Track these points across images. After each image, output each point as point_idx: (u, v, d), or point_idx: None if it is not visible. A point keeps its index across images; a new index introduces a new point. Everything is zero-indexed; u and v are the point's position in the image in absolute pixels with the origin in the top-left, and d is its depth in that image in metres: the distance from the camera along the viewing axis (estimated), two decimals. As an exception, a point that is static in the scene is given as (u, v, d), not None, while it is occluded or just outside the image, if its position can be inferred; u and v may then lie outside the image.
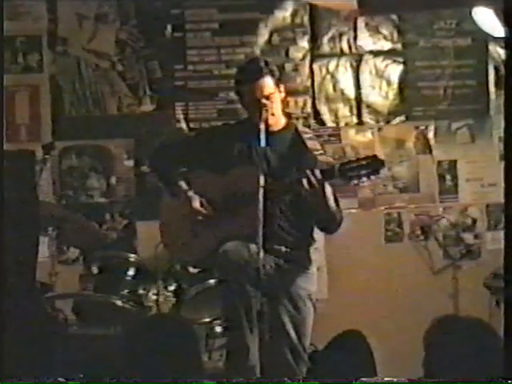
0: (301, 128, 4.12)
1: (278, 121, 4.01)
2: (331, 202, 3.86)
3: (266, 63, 4.01)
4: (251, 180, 3.75)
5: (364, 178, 3.72)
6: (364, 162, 3.72)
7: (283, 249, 3.96)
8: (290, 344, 3.94)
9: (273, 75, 3.98)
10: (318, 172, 3.73)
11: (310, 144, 3.99)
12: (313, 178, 3.72)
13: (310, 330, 4.03)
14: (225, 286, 3.90)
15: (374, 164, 3.72)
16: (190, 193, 4.05)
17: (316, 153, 3.96)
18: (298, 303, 3.97)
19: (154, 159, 4.31)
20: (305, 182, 3.73)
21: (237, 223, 3.90)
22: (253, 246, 3.73)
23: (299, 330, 3.97)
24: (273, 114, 3.95)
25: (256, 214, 3.63)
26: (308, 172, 3.73)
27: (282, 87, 4.01)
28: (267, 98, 3.93)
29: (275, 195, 3.82)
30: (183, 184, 4.07)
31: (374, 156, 3.76)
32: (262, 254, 3.60)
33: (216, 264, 3.94)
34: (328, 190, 3.80)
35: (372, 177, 3.73)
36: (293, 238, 3.98)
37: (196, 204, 4.02)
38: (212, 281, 4.62)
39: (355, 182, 3.75)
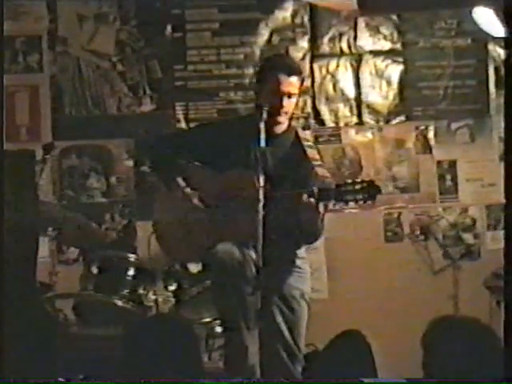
0: (301, 133, 4.10)
1: (285, 122, 4.00)
2: (319, 221, 3.84)
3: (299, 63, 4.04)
4: (249, 182, 3.74)
5: (360, 202, 3.71)
6: (360, 187, 3.68)
7: (275, 250, 3.95)
8: (284, 344, 3.94)
9: (301, 76, 4.01)
10: (315, 191, 3.71)
11: (309, 153, 3.97)
12: (311, 199, 3.71)
13: (304, 330, 4.03)
14: (219, 286, 3.90)
15: (370, 190, 3.69)
16: (188, 190, 4.04)
17: (314, 163, 3.94)
18: (291, 303, 3.97)
19: (153, 153, 4.30)
20: (302, 199, 3.72)
21: (233, 225, 3.89)
22: (246, 247, 3.74)
23: (293, 330, 3.97)
24: (286, 113, 3.95)
25: (254, 216, 3.62)
26: (306, 194, 3.72)
27: (300, 90, 4.01)
28: (289, 96, 3.93)
29: (272, 204, 3.81)
30: (180, 181, 4.07)
31: (371, 181, 3.72)
32: (260, 255, 3.60)
33: (209, 264, 3.94)
34: (321, 208, 3.79)
35: (368, 202, 3.72)
36: (284, 239, 3.97)
37: (195, 200, 4.02)
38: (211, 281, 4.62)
39: (351, 204, 3.76)
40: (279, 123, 3.96)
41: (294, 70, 3.96)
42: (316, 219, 3.81)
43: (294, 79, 3.94)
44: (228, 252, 3.81)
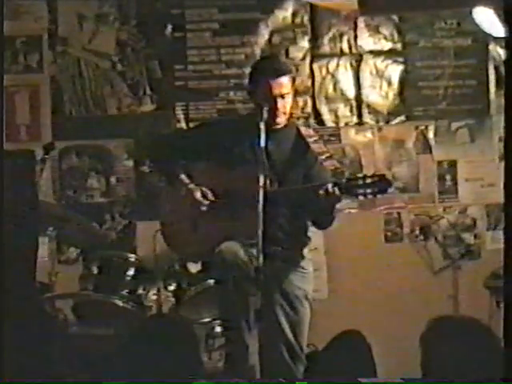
0: (304, 130, 4.11)
1: (285, 119, 4.02)
2: (333, 209, 3.85)
3: (287, 63, 4.03)
4: (252, 180, 3.75)
5: (370, 196, 3.72)
6: (372, 181, 3.70)
7: (279, 249, 3.96)
8: (287, 343, 3.94)
9: (291, 75, 4.00)
10: (330, 186, 3.72)
11: (315, 147, 3.99)
12: (322, 192, 3.72)
13: (307, 330, 4.04)
14: (221, 285, 3.90)
15: (381, 184, 3.71)
16: (191, 185, 4.05)
17: (323, 157, 3.95)
18: (294, 303, 3.97)
19: (155, 151, 4.31)
20: (318, 193, 3.74)
21: (236, 223, 3.90)
22: (249, 246, 3.75)
23: (296, 330, 3.97)
24: (284, 113, 3.96)
25: (256, 216, 3.63)
26: (321, 189, 3.73)
27: (293, 88, 4.02)
28: (282, 96, 3.93)
29: (278, 201, 3.82)
30: (184, 177, 4.07)
31: (383, 175, 3.75)
32: (261, 255, 3.60)
33: (213, 263, 3.95)
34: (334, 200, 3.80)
35: (378, 195, 3.73)
36: (289, 238, 3.98)
37: (198, 195, 4.02)
38: (211, 281, 4.63)
39: (361, 198, 3.76)
40: (277, 124, 3.97)
41: (281, 70, 3.97)
42: (329, 209, 3.82)
43: (284, 79, 3.95)
44: (232, 251, 3.81)
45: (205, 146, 4.06)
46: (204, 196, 4.01)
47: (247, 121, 4.09)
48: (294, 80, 4.03)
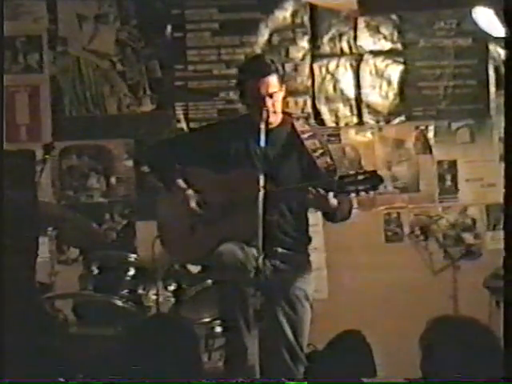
0: (298, 125, 4.09)
1: (277, 118, 4.02)
2: (333, 201, 3.83)
3: (272, 61, 4.03)
4: (251, 181, 3.75)
5: (362, 193, 3.72)
6: (363, 177, 3.71)
7: (280, 250, 3.96)
8: (287, 344, 3.94)
9: (278, 73, 4.00)
10: (320, 189, 3.72)
11: (309, 143, 3.98)
12: (314, 192, 3.72)
13: (307, 330, 4.03)
14: (220, 286, 3.91)
15: (373, 180, 3.72)
16: (189, 191, 4.05)
17: (317, 153, 3.95)
18: (295, 304, 3.97)
19: (152, 156, 4.31)
20: (308, 195, 3.74)
21: (236, 224, 3.90)
22: (249, 248, 3.75)
23: (296, 330, 3.97)
24: (275, 112, 3.96)
25: (256, 216, 3.63)
26: (311, 188, 3.73)
27: (283, 86, 4.02)
28: (270, 95, 3.93)
29: (275, 200, 3.82)
30: (181, 183, 4.08)
31: (374, 171, 3.76)
32: (261, 255, 3.60)
33: (212, 265, 3.95)
34: (330, 196, 3.79)
35: (370, 192, 3.73)
36: (291, 239, 3.98)
37: (193, 204, 4.02)
38: (211, 281, 4.62)
39: (353, 195, 3.76)
40: (270, 123, 3.96)
41: (266, 70, 3.95)
42: (328, 205, 3.82)
43: (271, 78, 3.94)
44: (231, 252, 3.81)
45: (201, 150, 4.06)
46: (199, 205, 4.02)
47: (242, 122, 4.10)
48: (282, 79, 4.02)
